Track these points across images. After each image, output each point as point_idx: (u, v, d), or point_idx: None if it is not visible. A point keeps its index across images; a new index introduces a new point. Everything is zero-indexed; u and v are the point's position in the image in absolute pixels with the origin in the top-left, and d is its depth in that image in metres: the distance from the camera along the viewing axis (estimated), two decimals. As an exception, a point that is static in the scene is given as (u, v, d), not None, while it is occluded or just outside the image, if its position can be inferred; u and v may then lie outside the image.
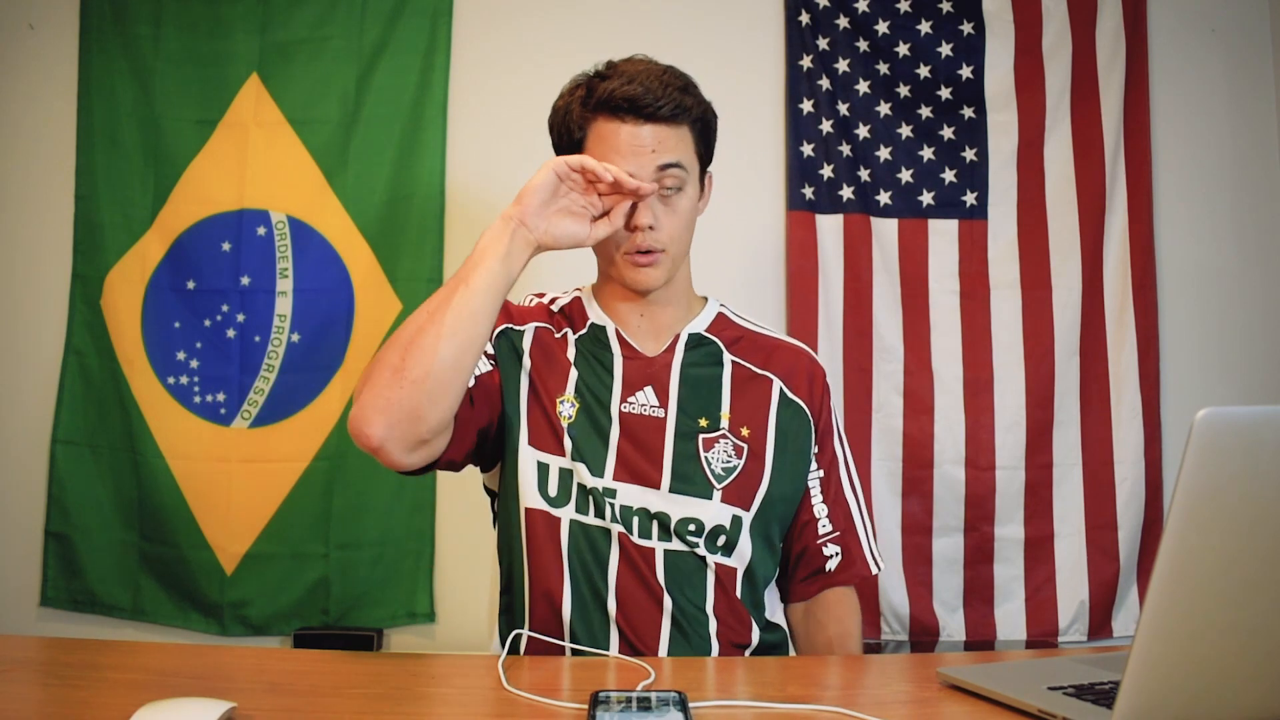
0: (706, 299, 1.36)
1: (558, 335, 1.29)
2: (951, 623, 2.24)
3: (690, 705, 0.82)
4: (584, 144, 1.23)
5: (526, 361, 1.25)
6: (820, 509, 1.31)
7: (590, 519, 1.20)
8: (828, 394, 1.34)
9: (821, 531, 1.30)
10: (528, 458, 1.22)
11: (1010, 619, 2.25)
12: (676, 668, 1.04)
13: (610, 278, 1.29)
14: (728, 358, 1.29)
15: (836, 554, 1.31)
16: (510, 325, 1.28)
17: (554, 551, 1.20)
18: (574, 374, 1.25)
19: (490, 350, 1.25)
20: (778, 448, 1.26)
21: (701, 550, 1.20)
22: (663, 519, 1.20)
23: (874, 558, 1.34)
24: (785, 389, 1.29)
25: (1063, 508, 2.26)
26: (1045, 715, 0.82)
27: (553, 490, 1.21)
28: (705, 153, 1.28)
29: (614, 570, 1.19)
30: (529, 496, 1.21)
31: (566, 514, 1.20)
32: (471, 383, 1.19)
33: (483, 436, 1.23)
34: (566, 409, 1.23)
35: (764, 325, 1.37)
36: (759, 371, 1.29)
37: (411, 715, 0.89)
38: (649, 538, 1.19)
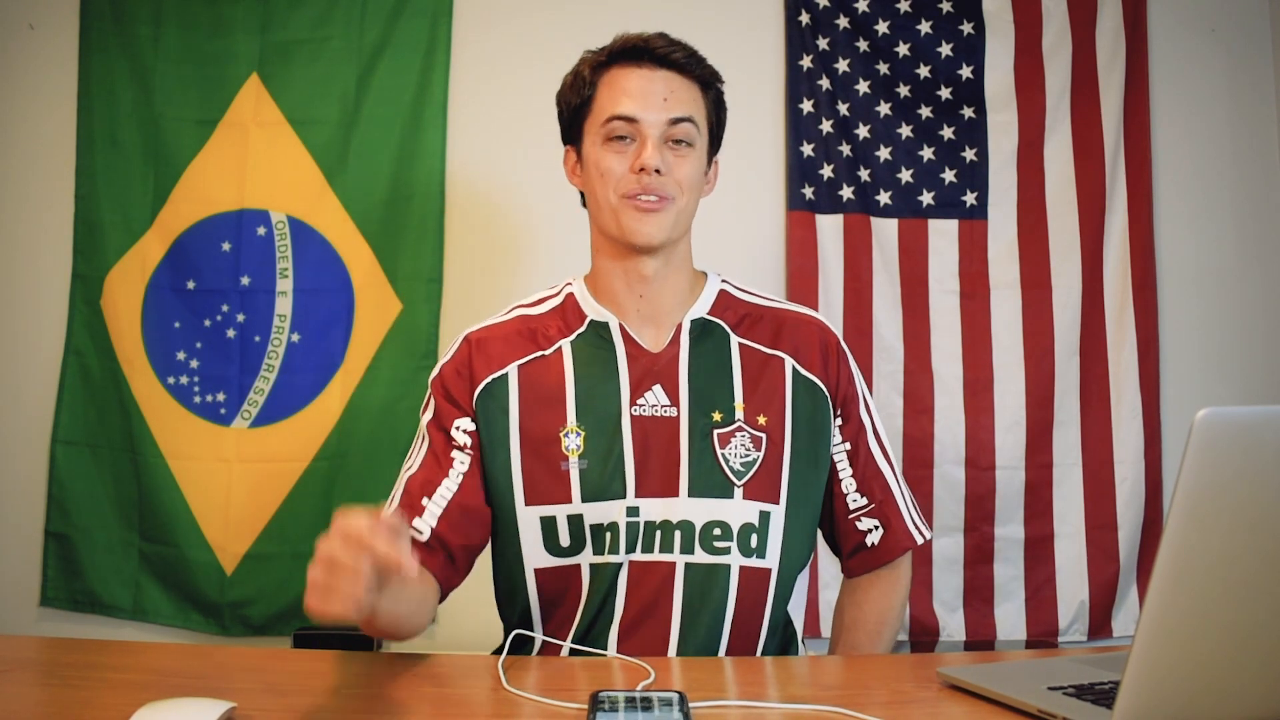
0: (705, 275, 1.29)
1: (549, 353, 1.22)
2: (951, 623, 2.24)
3: (690, 705, 0.82)
4: (593, 100, 1.21)
5: (514, 412, 1.19)
6: (849, 484, 1.25)
7: (605, 557, 1.15)
8: (844, 361, 1.27)
9: (853, 507, 1.25)
10: (529, 519, 1.17)
11: (1010, 619, 2.25)
12: (676, 668, 1.04)
13: (605, 252, 1.23)
14: (735, 341, 1.23)
15: (875, 528, 1.25)
16: (491, 377, 1.20)
17: (573, 599, 1.17)
18: (573, 397, 1.19)
19: (470, 427, 1.20)
20: (795, 431, 1.20)
21: (730, 558, 1.15)
22: (685, 529, 1.15)
23: (916, 527, 1.27)
24: (798, 366, 1.23)
25: (1063, 508, 2.26)
26: (1045, 715, 0.82)
27: (565, 540, 1.16)
28: (715, 128, 1.26)
29: (620, 601, 1.15)
30: (535, 558, 1.18)
31: (585, 559, 1.16)
32: (425, 531, 1.15)
33: (482, 544, 1.23)
34: (572, 440, 1.17)
35: (768, 295, 1.30)
36: (769, 352, 1.23)
37: (411, 715, 0.89)
38: (670, 551, 1.15)
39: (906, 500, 1.28)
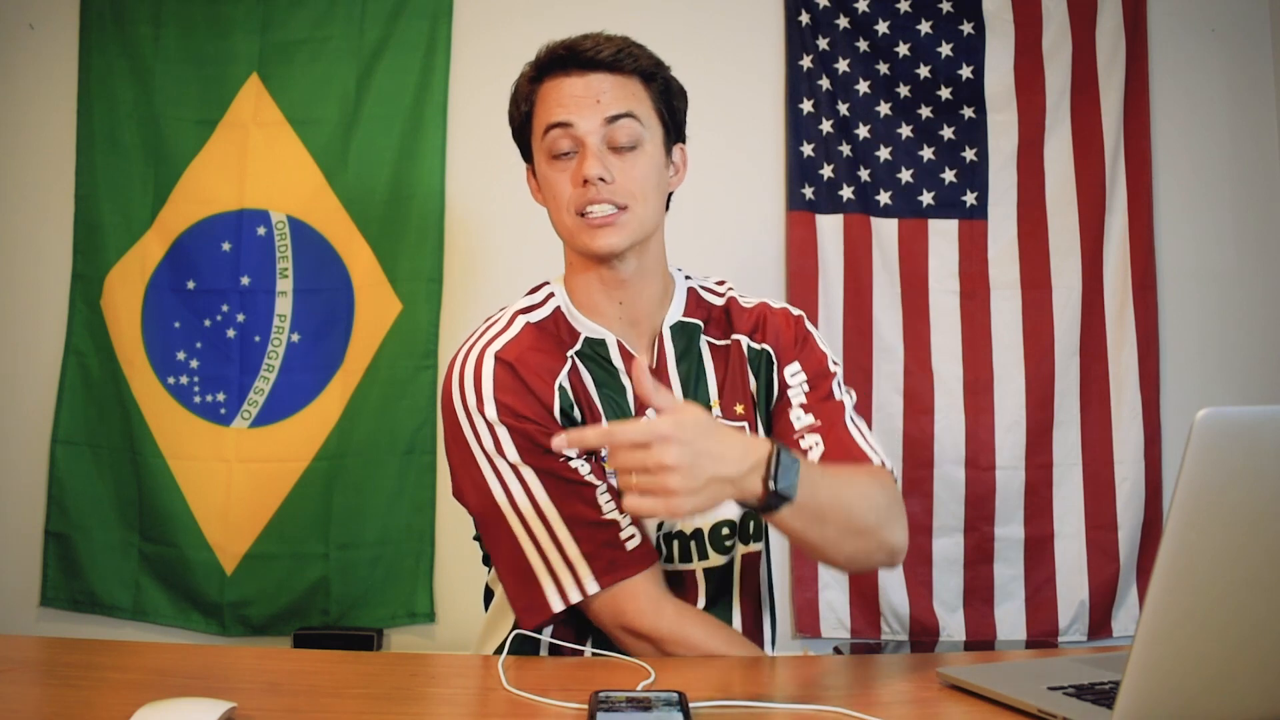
0: (673, 276, 1.26)
1: (568, 369, 1.16)
2: (951, 623, 2.24)
3: (690, 705, 0.82)
4: (532, 115, 1.17)
5: (577, 417, 1.15)
6: (798, 402, 1.19)
7: None
8: (800, 330, 1.24)
9: (798, 426, 1.17)
10: None
11: (1010, 619, 2.25)
12: (676, 668, 1.04)
13: (577, 265, 1.19)
14: (703, 340, 1.22)
15: (816, 444, 1.15)
16: (557, 397, 1.13)
17: None
18: (600, 408, 1.16)
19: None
20: (761, 406, 1.21)
21: (734, 551, 1.18)
22: (697, 536, 1.16)
23: (873, 449, 1.16)
24: (750, 343, 1.22)
25: (1063, 508, 2.26)
26: (1045, 715, 0.82)
27: None
28: (670, 117, 1.19)
29: None
30: None
31: None
32: (638, 536, 1.10)
33: None
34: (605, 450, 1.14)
35: (728, 289, 1.28)
36: (726, 342, 1.22)
37: (411, 715, 0.89)
38: (689, 560, 1.16)
39: (863, 432, 1.19)
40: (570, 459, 1.11)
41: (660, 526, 1.16)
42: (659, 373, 1.20)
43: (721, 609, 1.18)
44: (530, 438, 1.10)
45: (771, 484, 0.89)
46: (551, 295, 1.23)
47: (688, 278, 1.27)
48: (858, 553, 1.07)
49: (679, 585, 1.16)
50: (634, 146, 1.13)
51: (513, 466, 1.11)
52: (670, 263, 1.25)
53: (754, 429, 1.20)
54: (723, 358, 1.22)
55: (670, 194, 1.22)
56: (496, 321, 1.20)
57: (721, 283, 1.29)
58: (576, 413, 1.14)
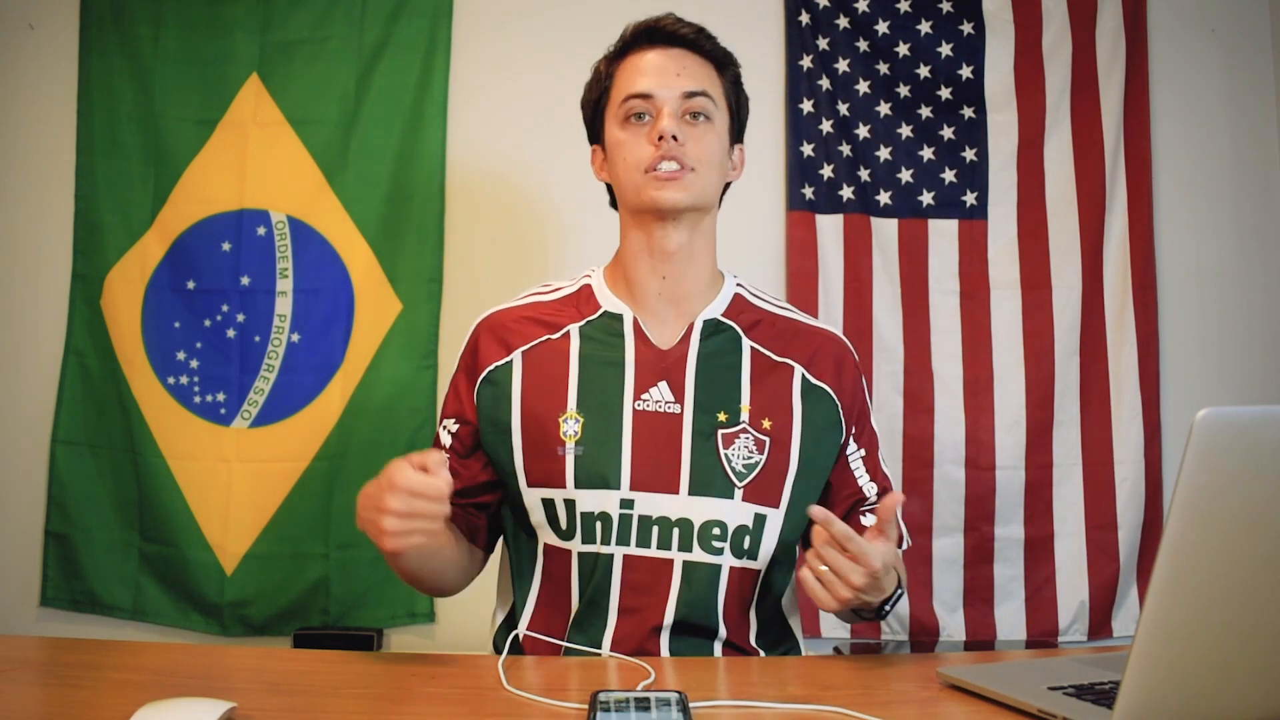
0: (723, 276, 1.30)
1: (556, 336, 1.23)
2: (951, 623, 2.24)
3: (690, 705, 0.82)
4: (611, 89, 1.24)
5: (517, 397, 1.20)
6: (869, 488, 1.26)
7: (596, 546, 1.16)
8: (859, 376, 1.28)
9: (869, 504, 1.26)
10: (533, 500, 1.19)
11: (1010, 619, 2.25)
12: (676, 668, 1.04)
13: (630, 230, 1.24)
14: (746, 344, 1.23)
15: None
16: (495, 364, 1.22)
17: (565, 583, 1.18)
18: (576, 383, 1.19)
19: (454, 428, 1.25)
20: (805, 438, 1.20)
21: (722, 558, 1.16)
22: (684, 526, 1.15)
23: (903, 534, 1.27)
24: (808, 375, 1.23)
25: (1063, 508, 2.26)
26: (1045, 715, 0.82)
27: (563, 524, 1.18)
28: (735, 109, 1.27)
29: (615, 594, 1.15)
30: (546, 534, 1.19)
31: (575, 546, 1.17)
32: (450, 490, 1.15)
33: (493, 503, 1.26)
34: (570, 426, 1.17)
35: (784, 305, 1.32)
36: (778, 359, 1.23)
37: (411, 715, 0.89)
38: (668, 548, 1.15)
39: (899, 518, 1.27)
40: (447, 448, 1.23)
41: (630, 505, 1.15)
42: (677, 358, 1.21)
43: (702, 611, 1.16)
44: (450, 401, 1.26)
45: (886, 609, 1.10)
46: (588, 276, 1.30)
47: (740, 284, 1.30)
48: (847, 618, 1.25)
49: (652, 572, 1.15)
50: (706, 120, 1.21)
51: (440, 418, 1.28)
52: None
53: (783, 450, 1.19)
54: (767, 370, 1.23)
55: (726, 186, 1.29)
56: (518, 295, 1.31)
57: (779, 299, 1.33)
58: (514, 378, 1.21)
